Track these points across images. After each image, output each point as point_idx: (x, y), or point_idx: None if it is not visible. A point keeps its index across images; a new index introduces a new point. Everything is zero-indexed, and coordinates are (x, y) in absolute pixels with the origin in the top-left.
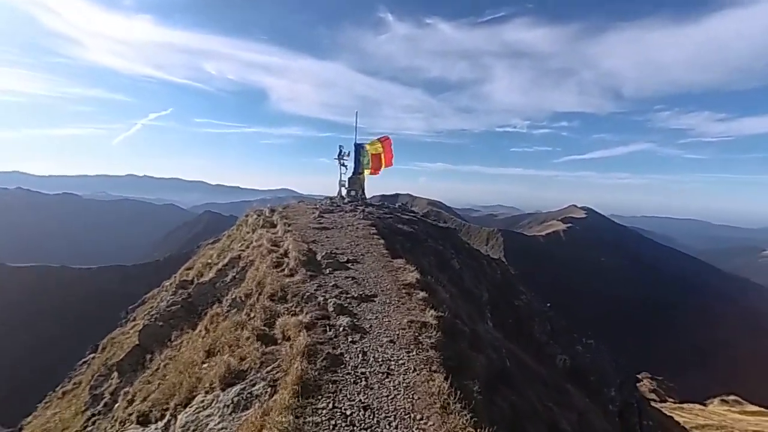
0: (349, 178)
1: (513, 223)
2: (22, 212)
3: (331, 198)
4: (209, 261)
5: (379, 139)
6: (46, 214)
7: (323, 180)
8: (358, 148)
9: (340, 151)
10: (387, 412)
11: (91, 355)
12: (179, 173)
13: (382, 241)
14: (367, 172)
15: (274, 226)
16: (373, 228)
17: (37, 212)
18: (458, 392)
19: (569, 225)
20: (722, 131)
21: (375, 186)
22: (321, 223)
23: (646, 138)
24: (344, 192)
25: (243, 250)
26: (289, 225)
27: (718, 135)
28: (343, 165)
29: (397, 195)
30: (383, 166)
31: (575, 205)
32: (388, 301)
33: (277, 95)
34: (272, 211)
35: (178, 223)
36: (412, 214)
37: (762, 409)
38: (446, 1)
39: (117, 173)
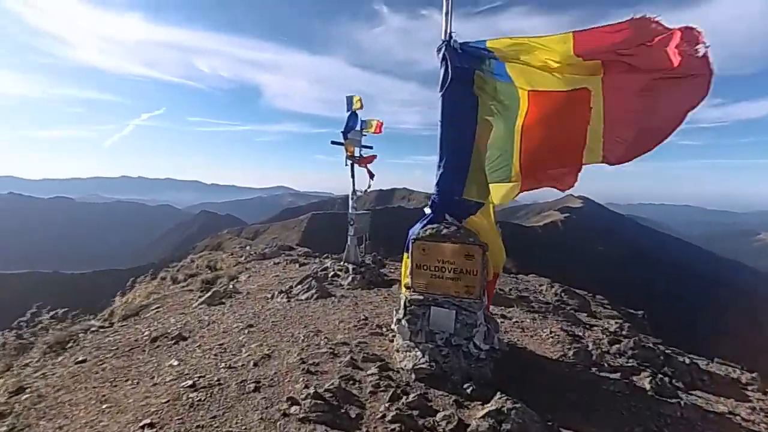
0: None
1: (510, 213)
2: (14, 218)
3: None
4: None
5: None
6: (38, 220)
7: (319, 176)
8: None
9: (351, 116)
10: None
11: None
12: (173, 173)
13: None
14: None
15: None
16: None
17: (29, 218)
18: None
19: (566, 215)
20: (718, 117)
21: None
22: None
23: None
24: (354, 231)
25: None
26: None
27: (714, 121)
28: (356, 156)
29: (393, 190)
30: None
31: (572, 195)
32: None
33: (271, 92)
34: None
35: (172, 224)
36: None
37: None
38: None
39: (110, 175)
